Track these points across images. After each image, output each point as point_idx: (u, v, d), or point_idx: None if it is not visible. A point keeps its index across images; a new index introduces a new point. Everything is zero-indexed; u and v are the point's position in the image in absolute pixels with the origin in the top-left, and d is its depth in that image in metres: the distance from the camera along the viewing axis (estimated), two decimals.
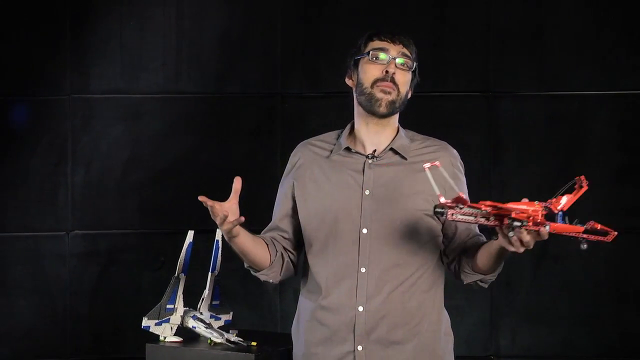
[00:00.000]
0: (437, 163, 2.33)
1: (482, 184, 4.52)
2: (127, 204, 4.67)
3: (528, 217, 2.22)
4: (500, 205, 2.20)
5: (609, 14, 4.58)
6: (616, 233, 2.28)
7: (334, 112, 4.49)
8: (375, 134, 2.62)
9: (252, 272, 2.71)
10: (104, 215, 4.67)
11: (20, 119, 4.69)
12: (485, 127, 4.60)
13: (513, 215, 2.20)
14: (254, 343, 2.92)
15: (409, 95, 2.65)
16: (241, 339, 2.93)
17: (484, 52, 4.61)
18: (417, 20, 4.62)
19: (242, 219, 2.47)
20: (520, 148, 4.60)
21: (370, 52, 2.59)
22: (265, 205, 4.68)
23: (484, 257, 2.50)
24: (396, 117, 2.65)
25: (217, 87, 4.69)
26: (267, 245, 2.68)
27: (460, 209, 2.19)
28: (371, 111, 2.59)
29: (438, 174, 2.31)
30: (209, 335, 2.96)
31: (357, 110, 2.65)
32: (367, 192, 2.56)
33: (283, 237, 2.73)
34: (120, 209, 4.67)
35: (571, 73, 4.59)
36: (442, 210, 2.19)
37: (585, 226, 2.28)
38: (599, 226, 2.28)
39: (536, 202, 2.24)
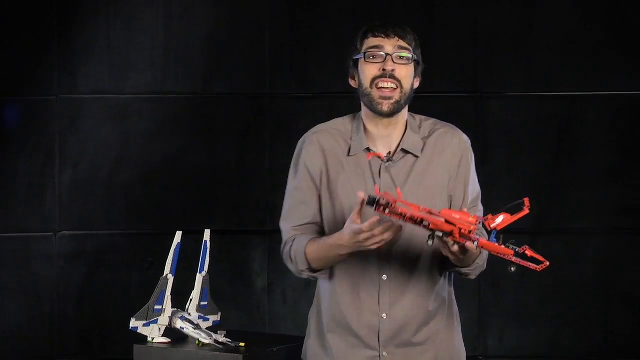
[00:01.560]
0: (381, 154, 2.50)
1: None
2: (115, 204, 4.66)
3: (452, 230, 2.24)
4: (425, 215, 2.24)
5: (596, 15, 4.59)
6: (548, 263, 2.22)
7: (322, 112, 4.49)
8: (386, 137, 2.58)
9: (307, 273, 2.59)
10: (92, 216, 4.66)
11: (7, 120, 4.67)
12: (473, 128, 4.60)
13: (431, 226, 2.24)
14: (242, 344, 2.91)
15: (416, 85, 2.61)
16: (229, 340, 2.92)
17: (471, 53, 4.62)
18: (404, 21, 4.54)
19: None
20: (508, 149, 4.61)
21: (366, 53, 2.54)
22: (254, 204, 4.72)
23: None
24: (404, 112, 2.60)
25: (205, 88, 4.68)
26: None
27: (390, 206, 2.24)
28: (375, 112, 2.55)
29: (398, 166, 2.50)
30: (197, 336, 2.96)
31: (364, 110, 2.61)
32: None
33: (323, 230, 2.64)
34: (108, 210, 4.66)
35: (559, 74, 4.60)
36: (374, 201, 2.25)
37: (517, 249, 2.23)
38: (530, 253, 2.23)
39: (471, 215, 2.25)
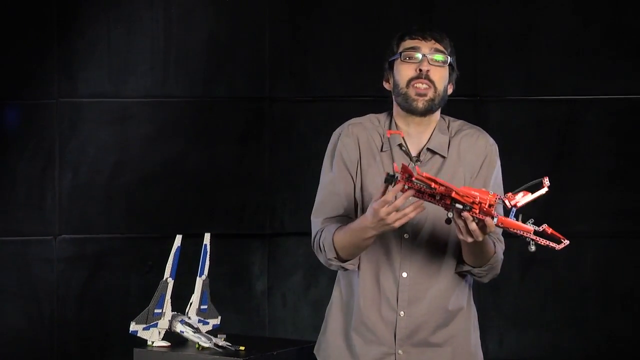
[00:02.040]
0: (400, 132, 2.49)
1: None
2: (115, 208, 4.66)
3: (473, 203, 2.19)
4: (447, 185, 2.19)
5: (596, 19, 4.60)
6: (567, 242, 2.18)
7: (322, 115, 4.50)
8: (416, 137, 2.59)
9: (334, 263, 2.55)
10: (92, 219, 4.66)
11: (7, 123, 4.68)
12: None
13: (453, 195, 2.19)
14: (242, 347, 2.91)
15: (450, 91, 2.63)
16: (229, 344, 2.93)
17: (471, 57, 4.61)
18: (404, 25, 4.60)
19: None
20: (508, 153, 4.56)
21: (402, 53, 2.56)
22: (254, 208, 4.71)
23: (463, 247, 2.49)
24: (437, 114, 2.61)
25: (204, 91, 4.68)
26: None
27: (410, 181, 2.20)
28: (410, 110, 2.55)
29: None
30: (197, 340, 2.96)
31: (397, 111, 2.61)
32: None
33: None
34: (108, 213, 4.66)
35: (558, 77, 4.60)
36: (393, 178, 2.22)
37: (536, 228, 2.20)
38: (550, 231, 2.19)
39: (491, 192, 2.22)
